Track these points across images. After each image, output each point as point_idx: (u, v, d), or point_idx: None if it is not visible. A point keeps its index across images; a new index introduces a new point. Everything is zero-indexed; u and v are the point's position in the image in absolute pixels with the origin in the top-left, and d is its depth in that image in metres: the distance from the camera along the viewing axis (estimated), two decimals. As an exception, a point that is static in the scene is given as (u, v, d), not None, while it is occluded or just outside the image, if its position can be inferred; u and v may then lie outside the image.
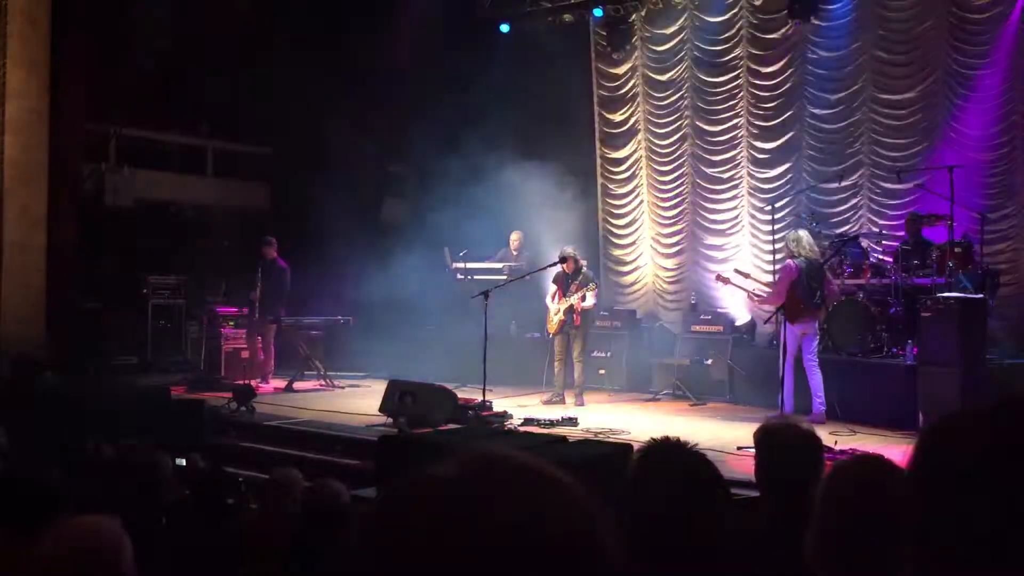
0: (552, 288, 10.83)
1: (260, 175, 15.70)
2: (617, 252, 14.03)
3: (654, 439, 2.41)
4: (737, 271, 10.70)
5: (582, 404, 10.42)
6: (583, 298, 10.47)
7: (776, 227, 11.62)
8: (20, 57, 11.93)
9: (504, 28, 14.05)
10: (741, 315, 11.96)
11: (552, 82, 13.64)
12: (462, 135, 12.06)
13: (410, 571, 0.78)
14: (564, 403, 10.53)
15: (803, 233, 9.70)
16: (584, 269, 10.81)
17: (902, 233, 10.46)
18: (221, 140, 15.42)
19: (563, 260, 10.63)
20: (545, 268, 10.93)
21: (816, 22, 12.03)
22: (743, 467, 6.41)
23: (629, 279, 13.89)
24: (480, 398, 9.33)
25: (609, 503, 0.88)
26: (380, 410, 9.39)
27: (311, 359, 12.18)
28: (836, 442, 7.45)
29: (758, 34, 12.60)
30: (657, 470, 2.31)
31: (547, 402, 10.60)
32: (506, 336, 11.96)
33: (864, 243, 10.59)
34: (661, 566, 2.11)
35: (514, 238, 12.67)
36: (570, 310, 10.53)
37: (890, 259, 10.34)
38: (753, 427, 3.40)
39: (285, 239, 12.50)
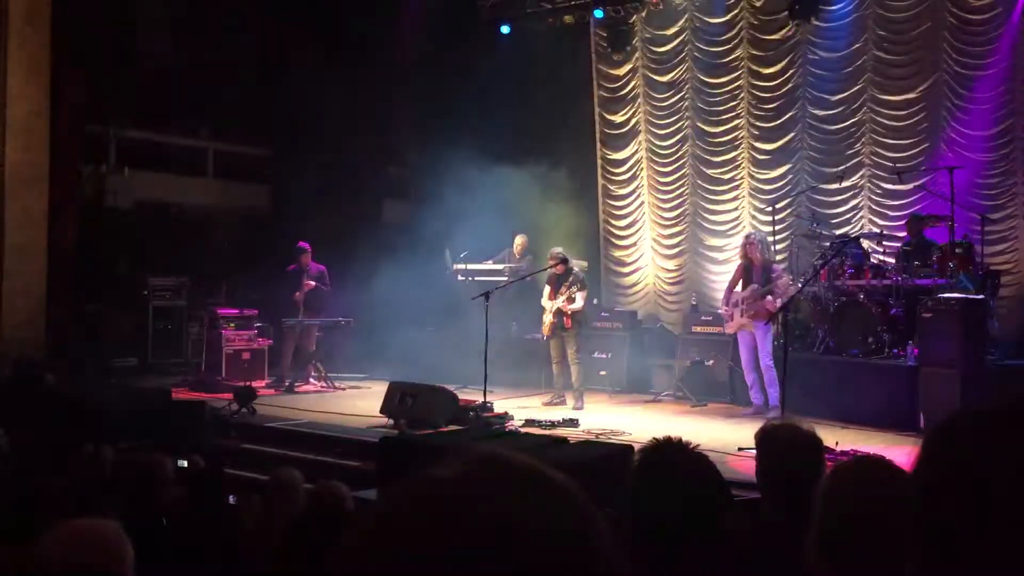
0: (547, 289, 10.83)
1: (261, 177, 15.69)
2: (618, 253, 14.03)
3: (655, 440, 2.41)
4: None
5: (581, 406, 10.41)
6: (571, 300, 10.46)
7: (777, 228, 11.62)
8: (20, 59, 11.93)
9: (505, 29, 14.03)
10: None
11: (553, 83, 13.64)
12: (463, 136, 12.05)
13: (411, 572, 0.78)
14: (565, 404, 10.53)
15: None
16: (575, 271, 10.80)
17: (903, 234, 10.46)
18: (222, 142, 15.41)
19: (563, 261, 10.63)
20: (545, 270, 10.93)
21: (817, 23, 12.05)
22: (744, 468, 6.41)
23: (630, 280, 13.89)
24: (481, 399, 9.32)
25: (610, 504, 0.88)
26: (381, 411, 9.38)
27: (313, 360, 12.17)
28: (837, 443, 7.45)
29: (759, 35, 12.61)
30: (658, 471, 2.31)
31: (548, 403, 10.60)
32: (507, 337, 11.96)
33: (865, 244, 10.59)
34: (662, 567, 2.11)
35: (518, 242, 12.64)
36: (559, 312, 10.53)
37: (891, 260, 10.34)
38: (754, 428, 3.40)
39: (286, 241, 12.49)
